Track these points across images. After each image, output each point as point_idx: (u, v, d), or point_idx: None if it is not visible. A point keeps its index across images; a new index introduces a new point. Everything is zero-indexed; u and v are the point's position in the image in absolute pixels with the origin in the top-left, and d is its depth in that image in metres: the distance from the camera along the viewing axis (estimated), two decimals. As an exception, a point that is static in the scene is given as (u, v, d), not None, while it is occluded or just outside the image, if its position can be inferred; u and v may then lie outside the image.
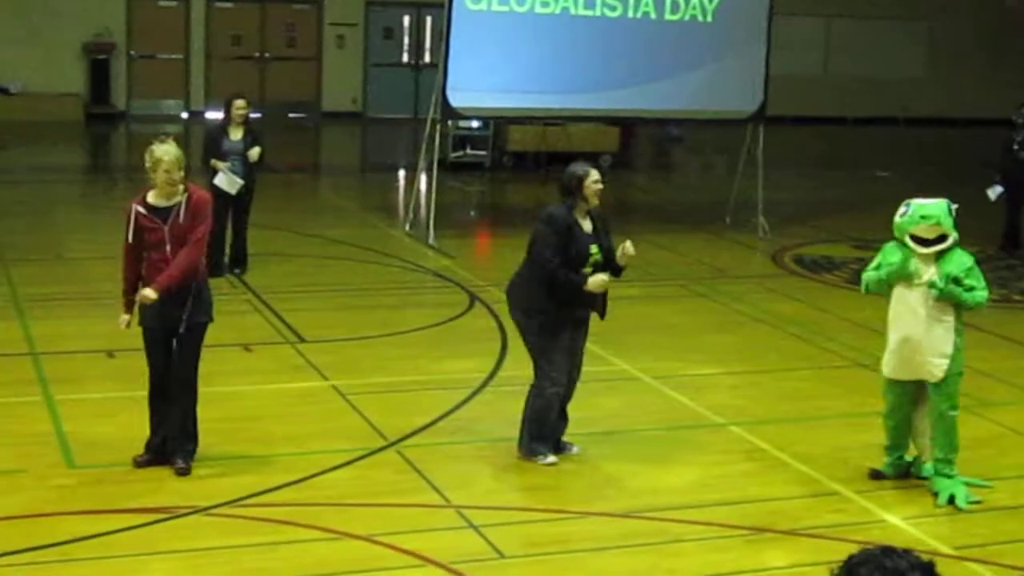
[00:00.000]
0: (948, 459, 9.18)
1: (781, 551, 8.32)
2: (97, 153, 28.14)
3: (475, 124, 23.79)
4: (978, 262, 9.19)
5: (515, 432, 10.00)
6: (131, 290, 8.98)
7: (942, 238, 8.96)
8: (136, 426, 9.22)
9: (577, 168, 9.58)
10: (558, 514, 8.75)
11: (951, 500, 9.03)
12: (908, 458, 9.52)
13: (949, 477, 9.16)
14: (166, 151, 8.79)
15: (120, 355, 11.30)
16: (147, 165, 8.80)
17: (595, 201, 9.44)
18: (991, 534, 8.68)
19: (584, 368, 11.79)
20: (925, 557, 3.51)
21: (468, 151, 24.24)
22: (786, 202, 20.39)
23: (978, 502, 9.07)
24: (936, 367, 9.05)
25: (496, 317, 13.00)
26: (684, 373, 11.96)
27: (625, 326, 13.53)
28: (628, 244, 9.47)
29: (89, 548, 7.90)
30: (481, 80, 17.45)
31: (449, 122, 20.18)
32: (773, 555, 8.27)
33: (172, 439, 9.10)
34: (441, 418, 10.41)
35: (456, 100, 17.40)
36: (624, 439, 10.24)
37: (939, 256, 8.99)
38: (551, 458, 9.55)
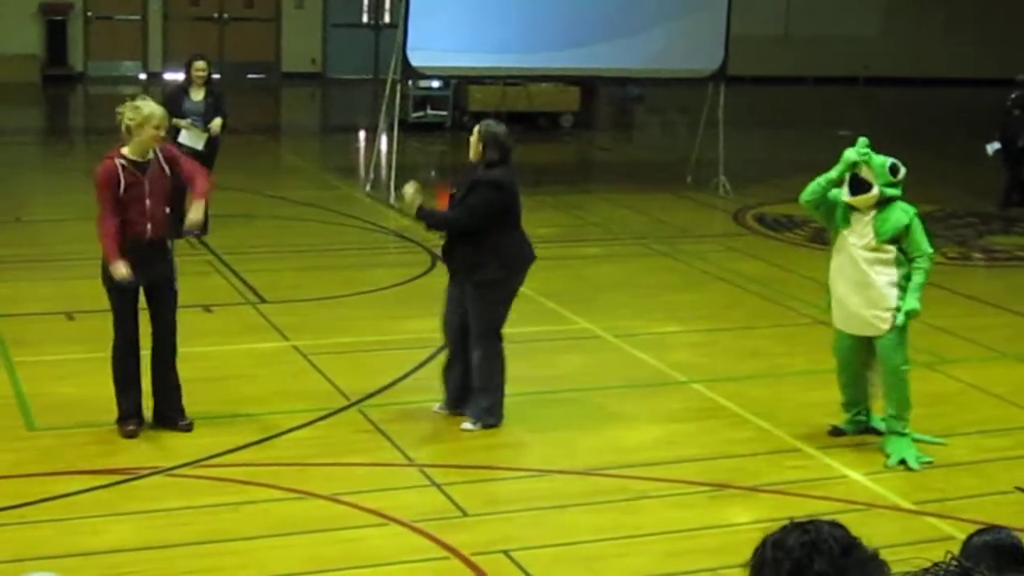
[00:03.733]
0: (900, 416, 9.17)
1: (743, 507, 8.35)
2: (54, 115, 27.90)
3: (435, 84, 23.68)
4: (921, 217, 9.11)
5: (477, 391, 10.03)
6: (122, 241, 8.78)
7: (867, 187, 8.95)
8: (96, 387, 9.17)
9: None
10: (521, 472, 8.77)
11: (902, 462, 9.04)
12: (867, 414, 9.54)
13: (901, 435, 9.18)
14: (156, 107, 8.85)
15: (79, 317, 11.23)
16: (130, 122, 8.73)
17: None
18: (949, 489, 8.73)
19: (545, 327, 11.91)
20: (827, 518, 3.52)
21: (428, 111, 24.13)
22: (747, 161, 20.38)
23: (929, 462, 9.09)
24: (881, 321, 9.03)
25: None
26: (646, 331, 11.97)
27: (586, 285, 13.57)
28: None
29: (48, 510, 7.87)
30: (441, 39, 17.36)
31: (409, 82, 20.08)
32: (735, 511, 8.30)
33: (170, 397, 9.16)
34: (403, 378, 10.39)
35: (416, 60, 17.32)
36: (586, 397, 10.24)
37: (878, 212, 8.97)
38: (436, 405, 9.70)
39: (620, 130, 27.90)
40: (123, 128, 8.80)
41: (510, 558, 7.50)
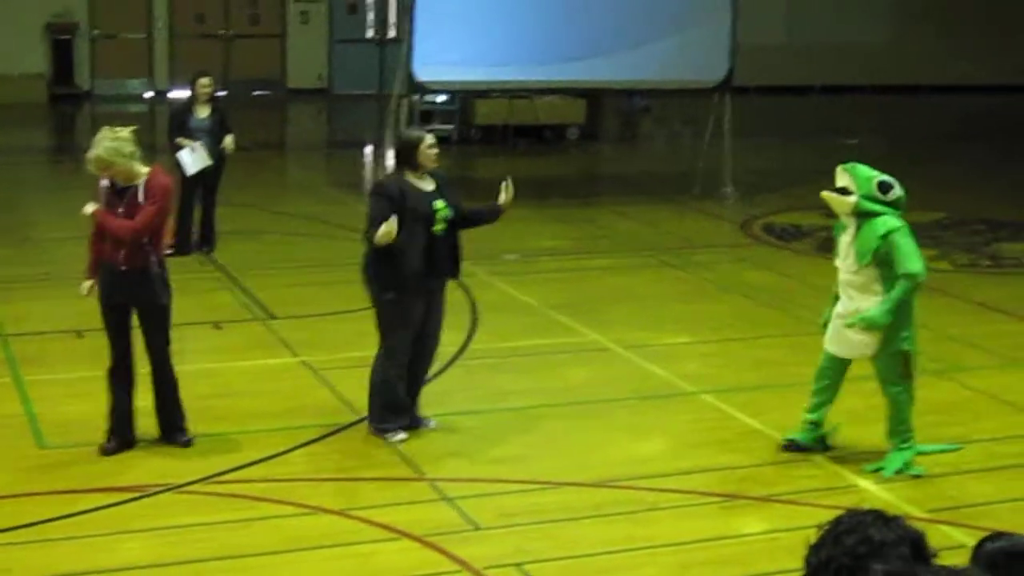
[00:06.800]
0: (896, 431, 9.05)
1: (755, 517, 8.34)
2: (62, 134, 27.95)
3: (441, 98, 23.68)
4: (913, 233, 8.90)
5: (487, 404, 10.07)
6: (92, 260, 9.00)
7: (845, 192, 8.85)
8: (106, 405, 9.18)
9: (411, 134, 9.56)
10: (531, 485, 8.76)
11: (898, 472, 8.94)
12: (825, 428, 9.36)
13: (901, 450, 9.05)
14: (98, 145, 8.69)
15: (89, 335, 11.20)
16: None
17: (431, 165, 9.31)
18: (962, 496, 8.72)
19: (554, 339, 11.89)
20: (917, 527, 3.48)
21: (435, 125, 24.13)
22: (754, 171, 20.40)
23: (918, 475, 8.99)
24: (866, 346, 8.92)
25: (466, 290, 12.97)
26: (655, 343, 11.96)
27: (595, 297, 13.57)
28: (508, 182, 9.43)
29: (61, 528, 7.88)
30: (446, 54, 17.39)
31: (415, 96, 20.11)
32: (748, 521, 8.29)
33: (165, 414, 9.18)
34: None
35: (422, 74, 17.37)
36: (596, 409, 10.24)
37: (859, 228, 8.83)
38: (400, 435, 9.39)
39: (626, 142, 27.89)
40: None
41: (522, 571, 7.50)
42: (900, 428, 9.08)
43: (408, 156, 9.26)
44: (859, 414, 9.85)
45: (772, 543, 7.86)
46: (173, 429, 9.20)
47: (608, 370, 11.28)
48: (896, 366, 8.96)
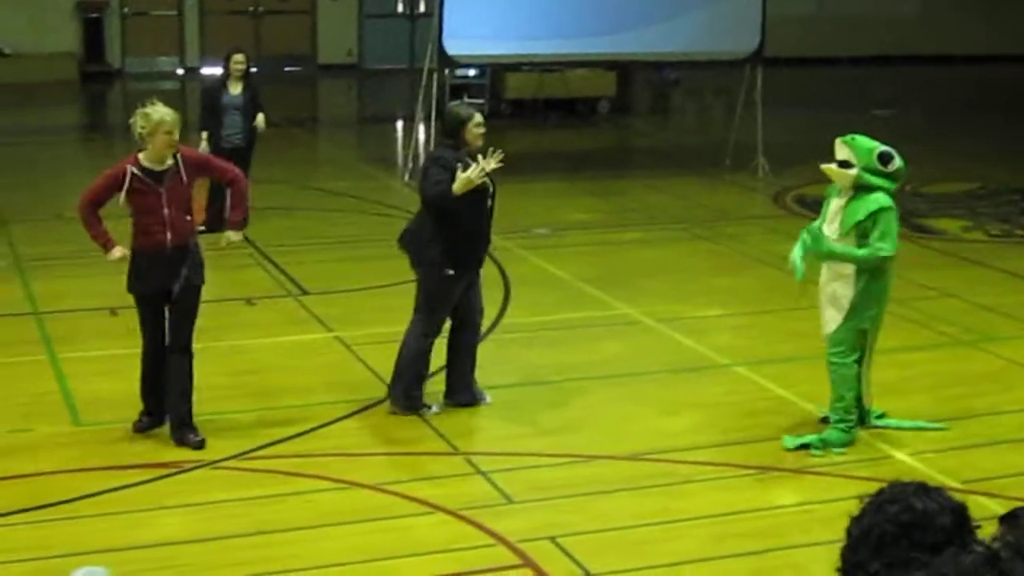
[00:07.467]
0: (834, 408, 8.91)
1: (789, 489, 8.34)
2: (94, 112, 28.03)
3: (472, 72, 23.66)
4: (898, 219, 8.80)
5: (520, 378, 10.07)
6: (103, 231, 8.85)
7: (846, 164, 8.80)
8: (140, 386, 9.20)
9: (460, 111, 9.36)
10: (565, 458, 8.76)
11: (803, 446, 8.83)
12: (866, 406, 9.26)
13: (838, 429, 8.91)
14: (168, 112, 8.61)
15: (123, 312, 11.25)
16: (141, 129, 8.57)
17: (478, 143, 9.19)
18: (997, 467, 8.69)
19: (586, 312, 11.89)
20: (958, 497, 3.48)
21: (465, 100, 24.09)
22: (786, 143, 20.27)
23: (842, 453, 8.87)
24: (831, 319, 8.85)
25: (498, 264, 12.96)
26: (688, 315, 11.95)
27: (627, 270, 13.55)
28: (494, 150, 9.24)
29: (97, 505, 7.92)
30: (477, 27, 17.36)
31: (446, 71, 20.10)
32: (782, 493, 8.29)
33: (178, 406, 8.90)
34: (445, 366, 10.38)
35: (452, 48, 17.33)
36: (629, 382, 10.24)
37: (851, 199, 8.78)
38: (434, 408, 9.42)
39: (657, 114, 27.82)
40: (137, 136, 8.65)
41: (556, 544, 7.51)
42: (838, 406, 8.93)
43: (455, 133, 9.19)
44: (893, 385, 9.87)
45: (806, 515, 7.85)
46: (182, 424, 8.87)
47: (640, 343, 11.27)
48: (851, 339, 8.85)
